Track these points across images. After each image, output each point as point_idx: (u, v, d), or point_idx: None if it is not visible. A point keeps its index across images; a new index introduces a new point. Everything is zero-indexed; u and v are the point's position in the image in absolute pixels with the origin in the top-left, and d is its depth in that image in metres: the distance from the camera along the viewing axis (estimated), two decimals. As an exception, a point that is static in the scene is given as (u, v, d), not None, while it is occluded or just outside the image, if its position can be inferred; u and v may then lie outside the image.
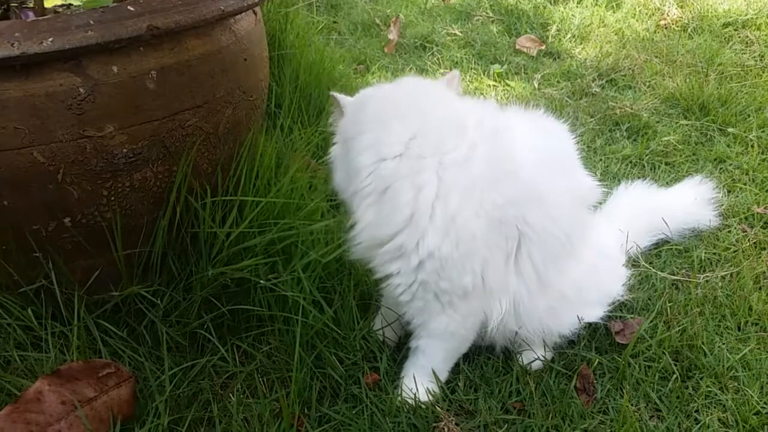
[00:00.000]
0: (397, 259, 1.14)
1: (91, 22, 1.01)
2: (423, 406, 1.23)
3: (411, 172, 1.10)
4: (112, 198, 1.15)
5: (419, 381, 1.24)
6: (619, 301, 1.42)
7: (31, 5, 1.33)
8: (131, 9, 1.05)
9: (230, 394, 1.23)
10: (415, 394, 1.23)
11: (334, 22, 3.24)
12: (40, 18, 1.03)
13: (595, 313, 1.36)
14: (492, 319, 1.23)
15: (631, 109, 2.39)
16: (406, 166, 1.10)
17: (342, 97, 1.23)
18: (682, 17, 3.16)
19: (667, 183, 1.93)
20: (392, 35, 3.04)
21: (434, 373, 1.25)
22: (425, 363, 1.25)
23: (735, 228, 1.76)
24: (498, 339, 1.30)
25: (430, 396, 1.24)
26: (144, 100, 1.10)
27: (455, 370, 1.33)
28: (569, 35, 3.09)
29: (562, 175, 1.22)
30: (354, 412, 1.22)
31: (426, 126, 1.13)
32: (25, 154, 1.04)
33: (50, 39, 0.98)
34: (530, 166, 1.16)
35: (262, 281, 1.26)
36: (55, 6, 1.32)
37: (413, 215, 1.09)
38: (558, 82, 2.69)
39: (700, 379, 1.31)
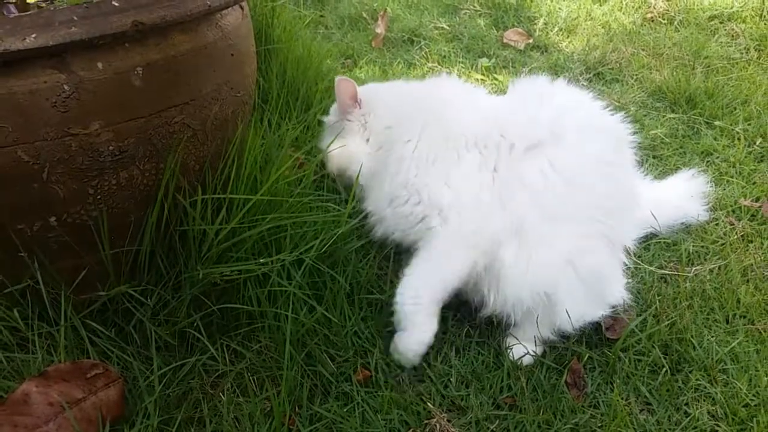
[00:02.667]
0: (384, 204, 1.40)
1: (75, 17, 0.99)
2: (412, 401, 1.23)
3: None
4: (99, 196, 1.13)
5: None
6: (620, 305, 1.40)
7: (13, 0, 1.30)
8: (116, 4, 1.03)
9: (220, 394, 1.22)
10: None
11: (321, 16, 3.22)
12: (23, 14, 1.01)
13: (598, 313, 1.35)
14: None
15: (619, 102, 2.40)
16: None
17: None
18: (668, 10, 3.17)
19: (655, 176, 1.94)
20: (379, 29, 3.02)
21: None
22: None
23: (722, 221, 1.77)
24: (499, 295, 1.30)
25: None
26: (130, 96, 1.08)
27: (447, 364, 1.33)
28: (556, 28, 3.09)
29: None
30: (345, 409, 1.22)
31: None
32: (9, 153, 1.02)
33: (33, 35, 0.96)
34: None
35: (254, 267, 1.25)
36: (37, 1, 1.30)
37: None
38: (545, 75, 2.69)
39: (690, 372, 1.32)
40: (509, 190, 1.28)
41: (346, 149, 1.54)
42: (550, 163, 1.27)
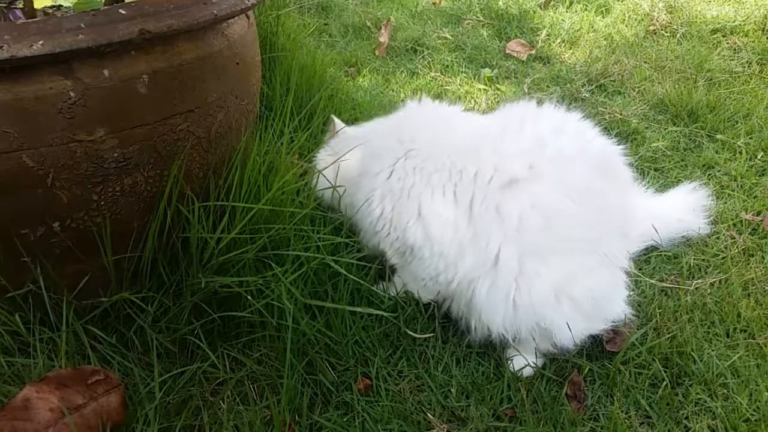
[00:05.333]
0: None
1: (82, 25, 1.00)
2: (413, 411, 1.23)
3: None
4: (102, 203, 1.13)
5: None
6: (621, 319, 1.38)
7: (20, 6, 1.31)
8: (123, 12, 1.04)
9: (220, 401, 1.22)
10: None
11: (325, 24, 3.24)
12: (30, 20, 1.02)
13: (599, 327, 1.35)
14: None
15: (621, 114, 2.41)
16: None
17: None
18: (671, 23, 3.19)
19: (656, 189, 1.94)
20: (383, 38, 3.04)
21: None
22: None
23: (723, 234, 1.78)
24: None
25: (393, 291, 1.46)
26: (135, 104, 1.08)
27: (448, 374, 1.33)
28: (559, 40, 3.10)
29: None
30: (345, 419, 1.22)
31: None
32: (14, 158, 1.02)
33: (40, 42, 0.97)
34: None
35: (252, 289, 1.25)
36: (44, 7, 1.31)
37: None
38: (548, 86, 2.70)
39: (690, 386, 1.32)
40: (484, 227, 1.26)
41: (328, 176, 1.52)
42: (529, 200, 1.24)
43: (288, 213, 1.33)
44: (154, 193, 1.19)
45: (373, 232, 1.40)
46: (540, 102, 1.43)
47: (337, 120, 1.62)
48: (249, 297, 1.23)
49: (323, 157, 1.56)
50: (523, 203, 1.24)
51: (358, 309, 1.32)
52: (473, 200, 1.28)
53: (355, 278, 1.36)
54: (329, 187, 1.48)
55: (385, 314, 1.35)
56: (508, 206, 1.25)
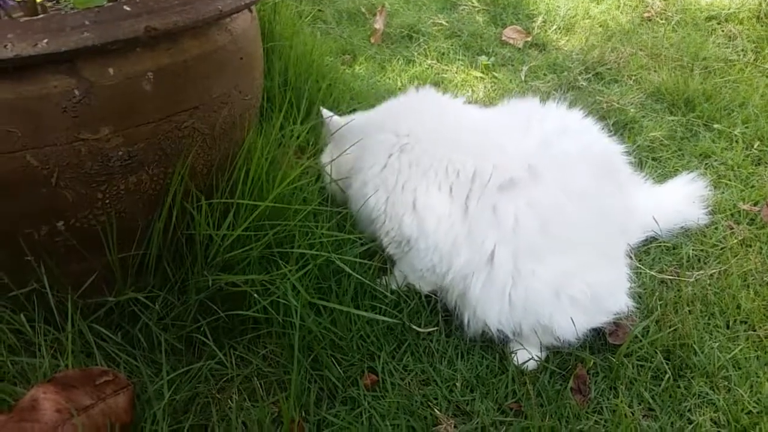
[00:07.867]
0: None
1: (87, 22, 0.98)
2: (419, 406, 1.24)
3: None
4: (107, 201, 1.12)
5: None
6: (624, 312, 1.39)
7: (18, -2, 1.28)
8: (127, 9, 1.02)
9: (228, 399, 1.22)
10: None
11: (319, 10, 3.20)
12: (35, 18, 1.00)
13: (601, 320, 1.35)
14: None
15: (618, 103, 2.40)
16: None
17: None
18: (665, 9, 3.18)
19: (654, 178, 1.95)
20: (378, 24, 3.01)
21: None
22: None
23: (722, 225, 1.79)
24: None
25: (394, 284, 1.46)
26: (140, 101, 1.07)
27: (452, 368, 1.34)
28: (554, 26, 3.08)
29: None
30: (352, 415, 1.22)
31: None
32: (18, 158, 1.01)
33: (45, 40, 0.95)
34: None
35: (260, 277, 1.24)
36: (43, 0, 1.28)
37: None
38: (545, 74, 2.69)
39: (692, 378, 1.33)
40: (480, 226, 1.26)
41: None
42: (526, 202, 1.24)
43: (292, 209, 1.32)
44: (158, 191, 1.18)
45: (369, 222, 1.40)
46: (543, 98, 1.42)
47: (327, 112, 1.58)
48: (255, 294, 1.23)
49: (329, 153, 1.55)
50: (520, 205, 1.24)
51: (364, 313, 1.31)
52: (469, 198, 1.28)
53: (358, 277, 1.35)
54: (330, 182, 1.49)
55: (389, 320, 1.36)
56: (504, 207, 1.25)
